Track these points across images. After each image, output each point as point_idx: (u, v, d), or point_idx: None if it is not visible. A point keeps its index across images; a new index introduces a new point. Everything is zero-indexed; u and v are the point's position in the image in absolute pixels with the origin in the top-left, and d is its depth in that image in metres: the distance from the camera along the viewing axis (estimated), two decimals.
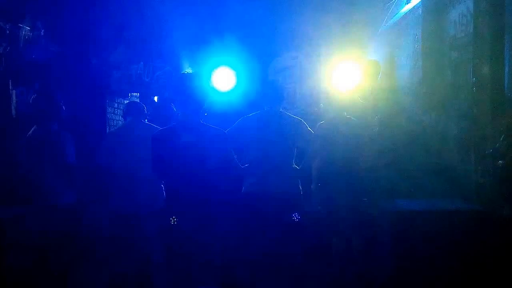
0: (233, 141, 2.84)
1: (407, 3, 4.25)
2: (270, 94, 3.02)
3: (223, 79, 5.23)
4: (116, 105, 6.66)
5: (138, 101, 5.45)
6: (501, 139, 2.83)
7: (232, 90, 5.07)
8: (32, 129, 2.97)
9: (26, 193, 3.00)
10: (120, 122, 6.47)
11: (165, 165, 2.49)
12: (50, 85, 5.37)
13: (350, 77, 5.13)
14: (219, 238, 2.57)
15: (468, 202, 3.15)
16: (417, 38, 4.26)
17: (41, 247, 2.91)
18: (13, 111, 5.35)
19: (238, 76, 5.18)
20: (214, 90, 5.07)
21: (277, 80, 5.50)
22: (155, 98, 5.97)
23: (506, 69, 2.95)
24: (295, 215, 2.86)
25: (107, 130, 6.10)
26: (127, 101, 6.46)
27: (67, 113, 3.19)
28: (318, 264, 3.37)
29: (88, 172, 3.87)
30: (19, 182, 3.08)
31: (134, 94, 6.81)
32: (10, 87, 5.39)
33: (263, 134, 2.89)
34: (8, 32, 4.93)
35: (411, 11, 4.36)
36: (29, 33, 5.01)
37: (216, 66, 5.11)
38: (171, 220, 2.41)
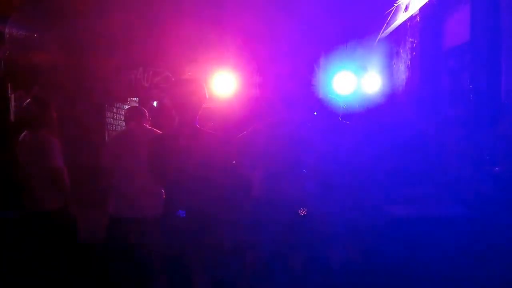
0: (243, 147, 2.88)
1: (405, 11, 4.30)
2: (281, 101, 3.09)
3: (225, 84, 5.23)
4: (115, 110, 6.67)
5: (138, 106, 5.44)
6: (498, 145, 2.85)
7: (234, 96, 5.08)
8: (23, 133, 2.97)
9: (17, 198, 3.00)
10: (119, 127, 6.47)
11: (162, 169, 2.50)
12: (48, 90, 5.38)
13: (347, 84, 5.18)
14: (218, 242, 2.56)
15: (466, 208, 3.16)
16: (415, 45, 4.31)
17: (37, 253, 2.91)
18: (11, 115, 5.36)
19: (239, 81, 5.20)
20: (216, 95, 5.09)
21: (287, 88, 5.52)
22: (155, 103, 5.98)
23: (503, 76, 2.99)
24: (302, 209, 2.88)
25: (106, 135, 6.09)
26: (127, 106, 6.47)
27: (67, 118, 3.19)
28: (316, 269, 3.36)
29: (87, 175, 3.86)
30: (13, 187, 3.08)
31: (133, 99, 6.82)
32: (9, 91, 5.40)
33: (273, 141, 2.94)
34: (7, 36, 4.95)
35: (409, 19, 4.41)
36: (28, 38, 5.03)
37: (217, 71, 5.13)
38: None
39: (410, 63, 4.44)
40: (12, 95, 5.46)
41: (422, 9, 4.07)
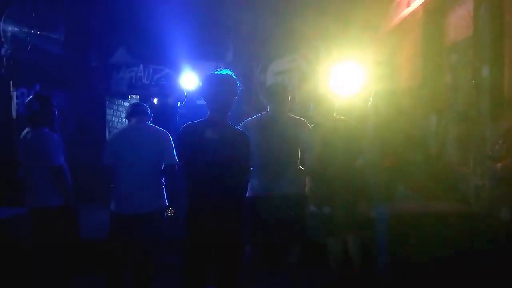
0: None
1: (407, 6, 4.27)
2: (273, 96, 3.01)
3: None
4: (115, 107, 6.68)
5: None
6: (500, 141, 2.83)
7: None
8: (25, 131, 2.98)
9: (18, 195, 3.02)
10: (119, 124, 6.48)
11: (186, 158, 2.48)
12: (49, 87, 5.40)
13: (349, 79, 5.14)
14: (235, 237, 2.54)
15: (467, 204, 3.15)
16: (417, 40, 4.28)
17: (39, 249, 2.92)
18: (14, 113, 5.38)
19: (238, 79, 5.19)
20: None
21: (279, 82, 5.47)
22: (155, 100, 5.99)
23: (506, 72, 2.97)
24: (310, 207, 2.90)
25: (107, 132, 6.11)
26: (128, 103, 6.48)
27: (68, 115, 3.19)
28: (315, 265, 3.36)
29: (89, 172, 3.86)
30: (14, 184, 3.10)
31: (134, 96, 6.83)
32: (11, 88, 5.42)
33: (266, 136, 2.88)
34: (10, 34, 4.95)
35: (411, 14, 4.37)
36: (30, 36, 5.03)
37: (215, 68, 5.13)
38: (168, 212, 2.39)
39: (412, 58, 4.41)
40: (14, 92, 5.48)
41: (424, 4, 4.05)
